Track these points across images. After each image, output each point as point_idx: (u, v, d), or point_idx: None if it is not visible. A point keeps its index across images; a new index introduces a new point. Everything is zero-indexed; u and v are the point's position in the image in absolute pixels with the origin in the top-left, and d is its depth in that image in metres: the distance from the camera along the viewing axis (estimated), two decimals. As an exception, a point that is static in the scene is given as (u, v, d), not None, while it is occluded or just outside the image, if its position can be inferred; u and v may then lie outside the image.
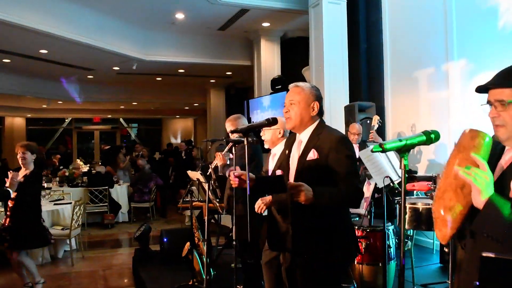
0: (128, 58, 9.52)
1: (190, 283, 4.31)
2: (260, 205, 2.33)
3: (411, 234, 4.56)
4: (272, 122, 2.38)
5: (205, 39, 10.12)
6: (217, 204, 3.54)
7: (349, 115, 6.49)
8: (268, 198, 2.33)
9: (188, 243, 4.38)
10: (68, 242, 6.30)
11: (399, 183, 3.32)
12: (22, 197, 4.34)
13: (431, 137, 1.48)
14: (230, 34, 9.84)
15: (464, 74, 5.55)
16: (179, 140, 21.28)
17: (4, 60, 10.04)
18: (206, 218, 3.44)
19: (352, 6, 7.06)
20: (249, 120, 9.36)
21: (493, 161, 1.54)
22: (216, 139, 4.42)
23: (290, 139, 2.55)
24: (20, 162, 4.48)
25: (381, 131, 6.72)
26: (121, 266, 5.96)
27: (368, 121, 6.34)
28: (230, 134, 4.06)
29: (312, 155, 2.30)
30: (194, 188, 8.48)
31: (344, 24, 7.01)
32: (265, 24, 9.07)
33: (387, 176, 3.10)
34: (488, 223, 1.38)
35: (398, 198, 3.62)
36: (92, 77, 12.28)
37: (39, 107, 16.24)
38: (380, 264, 3.39)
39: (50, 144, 19.78)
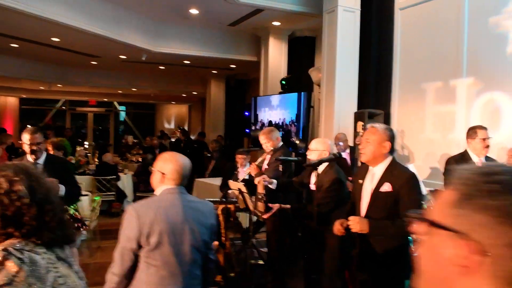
0: (138, 49, 9.67)
1: (218, 279, 4.64)
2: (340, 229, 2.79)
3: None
4: (339, 157, 2.74)
5: (215, 33, 10.31)
6: (259, 214, 3.84)
7: (358, 122, 6.82)
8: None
9: (216, 242, 4.67)
10: (85, 232, 6.55)
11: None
12: None
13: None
14: (239, 30, 10.04)
15: (471, 91, 5.92)
16: (172, 126, 21.42)
17: (12, 45, 10.07)
18: (261, 217, 3.73)
19: (365, 15, 7.33)
20: (255, 116, 9.62)
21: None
22: (253, 149, 4.70)
23: (362, 169, 2.90)
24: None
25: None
26: (138, 257, 6.23)
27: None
28: (264, 146, 4.36)
29: (387, 188, 2.67)
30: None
31: (357, 32, 7.28)
32: (276, 23, 9.30)
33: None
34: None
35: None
36: (96, 63, 12.36)
37: (36, 88, 16.20)
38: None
39: (42, 124, 19.74)
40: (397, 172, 2.70)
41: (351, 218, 2.65)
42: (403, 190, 2.62)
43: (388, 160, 2.75)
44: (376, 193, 2.72)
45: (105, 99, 20.17)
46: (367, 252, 2.75)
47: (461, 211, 0.72)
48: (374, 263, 2.72)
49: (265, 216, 3.68)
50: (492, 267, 0.68)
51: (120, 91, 17.96)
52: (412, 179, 2.68)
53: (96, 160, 10.90)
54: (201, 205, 2.40)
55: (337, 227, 2.79)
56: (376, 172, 2.77)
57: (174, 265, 2.18)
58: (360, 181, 2.87)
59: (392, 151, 2.76)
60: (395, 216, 2.63)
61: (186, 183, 2.34)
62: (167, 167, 2.27)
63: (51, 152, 4.73)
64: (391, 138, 2.74)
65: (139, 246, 2.14)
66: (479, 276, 0.69)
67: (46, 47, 9.97)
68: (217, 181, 6.95)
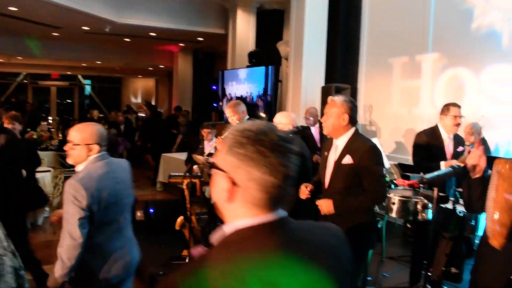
0: (101, 20, 9.34)
1: (184, 254, 4.62)
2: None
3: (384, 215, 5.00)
4: (302, 130, 2.71)
5: (181, 4, 10.06)
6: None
7: (326, 96, 6.82)
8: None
9: (181, 217, 4.64)
10: (47, 209, 6.39)
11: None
12: None
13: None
14: (207, 1, 9.83)
15: (436, 66, 5.99)
16: (139, 100, 21.00)
17: (-34, 13, 9.55)
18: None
19: (334, -12, 7.25)
20: (223, 90, 9.51)
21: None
22: (218, 123, 4.64)
23: (328, 141, 2.91)
24: None
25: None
26: (103, 233, 6.13)
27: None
28: (230, 119, 4.30)
29: (348, 160, 2.70)
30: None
31: (325, 5, 7.22)
32: (244, -5, 9.13)
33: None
34: None
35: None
36: (57, 34, 11.89)
37: (-5, 60, 15.55)
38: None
39: (3, 99, 18.99)
40: (358, 144, 2.73)
41: (317, 202, 2.72)
42: (363, 162, 2.67)
43: (350, 132, 2.76)
44: (338, 165, 2.75)
45: (69, 72, 19.54)
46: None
47: (226, 157, 1.01)
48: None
49: None
50: (242, 195, 1.00)
51: (84, 64, 17.40)
52: (371, 150, 2.70)
53: (60, 135, 10.59)
54: (123, 163, 2.55)
55: (303, 190, 2.83)
56: (338, 144, 2.80)
57: (119, 224, 2.38)
58: (326, 153, 2.90)
59: (353, 122, 2.76)
60: (358, 187, 2.68)
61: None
62: (89, 137, 2.35)
63: (8, 126, 4.51)
64: (350, 110, 2.73)
65: (91, 214, 2.22)
66: (237, 201, 1.01)
67: (3, 17, 9.50)
68: (184, 156, 6.87)
